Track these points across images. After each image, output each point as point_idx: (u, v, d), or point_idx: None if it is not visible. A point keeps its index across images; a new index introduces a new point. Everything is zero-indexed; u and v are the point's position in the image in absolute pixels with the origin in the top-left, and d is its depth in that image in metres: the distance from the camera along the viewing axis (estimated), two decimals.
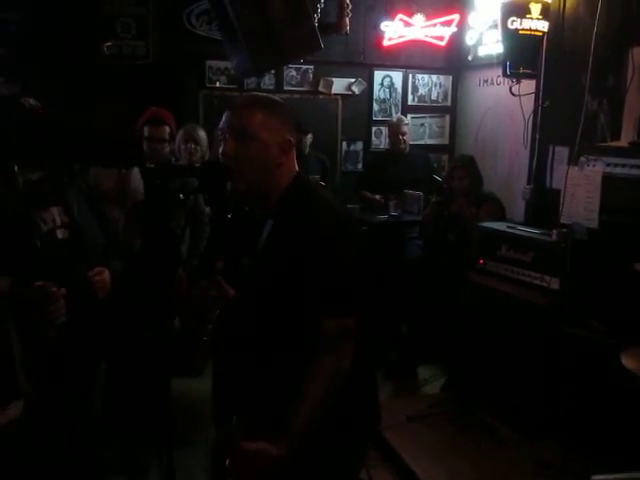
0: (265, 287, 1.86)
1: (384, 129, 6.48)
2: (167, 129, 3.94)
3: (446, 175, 4.83)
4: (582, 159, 3.59)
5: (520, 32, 4.35)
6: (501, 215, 4.70)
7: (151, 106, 4.10)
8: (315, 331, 1.73)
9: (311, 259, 1.72)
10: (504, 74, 4.66)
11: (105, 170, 3.45)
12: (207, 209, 4.28)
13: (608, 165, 3.46)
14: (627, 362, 2.68)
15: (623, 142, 3.80)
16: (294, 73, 6.09)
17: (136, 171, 3.53)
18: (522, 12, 4.35)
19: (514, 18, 4.33)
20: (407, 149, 5.77)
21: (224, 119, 1.87)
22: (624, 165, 3.39)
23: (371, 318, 1.92)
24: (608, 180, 3.45)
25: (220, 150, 1.85)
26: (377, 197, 5.65)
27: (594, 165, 3.51)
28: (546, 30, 4.48)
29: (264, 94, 2.09)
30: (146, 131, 3.89)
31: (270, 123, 1.82)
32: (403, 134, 5.70)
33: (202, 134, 4.57)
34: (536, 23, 4.37)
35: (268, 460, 1.68)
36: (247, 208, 2.38)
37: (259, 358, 1.89)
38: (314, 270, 1.71)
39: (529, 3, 4.36)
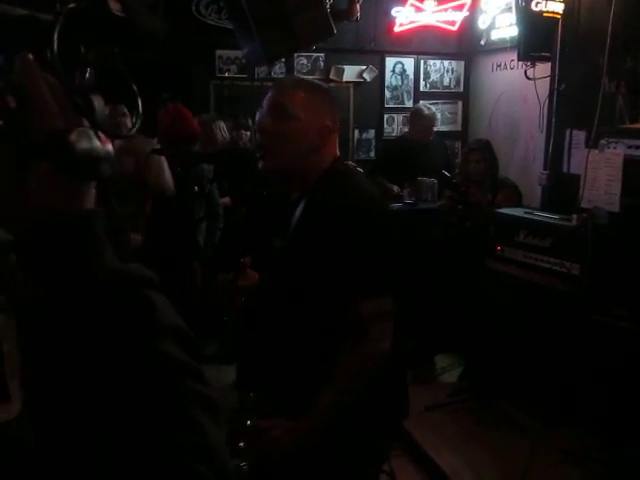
0: (296, 268, 1.84)
1: (396, 116, 6.42)
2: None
3: (461, 159, 4.76)
4: (602, 142, 3.52)
5: (544, 14, 4.28)
6: (518, 201, 4.64)
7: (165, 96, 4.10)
8: (348, 313, 1.71)
9: (343, 240, 1.69)
10: (520, 58, 4.58)
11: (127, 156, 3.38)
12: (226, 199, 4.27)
13: (629, 147, 3.40)
14: None
15: None
16: (305, 61, 6.04)
17: (163, 162, 3.46)
18: None
19: (539, 0, 4.26)
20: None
21: (267, 95, 1.87)
22: None
23: (397, 311, 1.87)
24: (629, 163, 3.38)
25: (256, 123, 1.86)
26: (395, 188, 5.56)
27: (615, 148, 3.44)
28: (562, 12, 4.42)
29: (311, 78, 2.11)
30: (184, 148, 3.93)
31: (311, 105, 1.83)
32: (431, 127, 5.58)
33: (220, 123, 4.60)
34: (558, 5, 4.31)
35: (285, 434, 1.68)
36: (265, 193, 2.37)
37: (289, 340, 1.87)
38: (346, 251, 1.69)
39: None
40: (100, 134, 0.65)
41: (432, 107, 5.76)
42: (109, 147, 0.66)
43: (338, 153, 1.94)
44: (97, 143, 0.64)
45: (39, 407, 0.66)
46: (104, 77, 0.70)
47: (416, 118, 5.70)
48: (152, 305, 0.66)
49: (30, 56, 0.62)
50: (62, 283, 0.64)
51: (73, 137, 0.62)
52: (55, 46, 0.62)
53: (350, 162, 2.04)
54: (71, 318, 0.63)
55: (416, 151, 5.53)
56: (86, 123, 0.66)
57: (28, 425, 0.72)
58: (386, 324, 1.73)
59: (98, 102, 0.68)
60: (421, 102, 5.94)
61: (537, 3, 4.28)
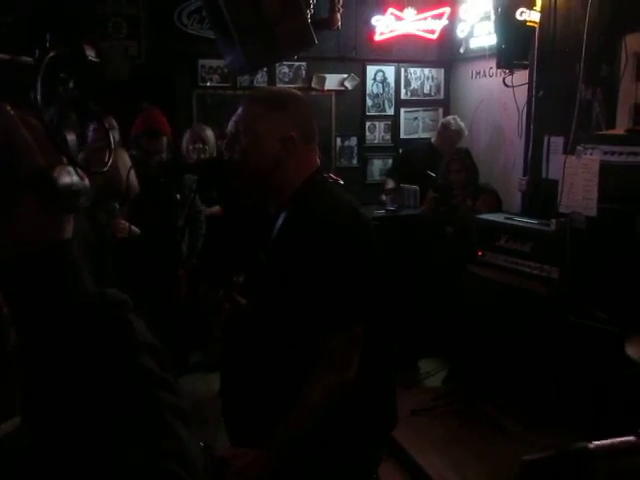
0: (270, 287, 1.82)
1: (378, 124, 6.48)
2: (164, 140, 3.97)
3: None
4: (579, 148, 3.60)
5: (528, 24, 4.38)
6: (498, 206, 4.71)
7: (145, 104, 4.10)
8: (316, 340, 1.69)
9: (313, 268, 1.66)
10: (499, 66, 4.66)
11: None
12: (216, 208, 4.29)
13: (605, 153, 3.47)
14: (632, 351, 2.69)
15: (619, 130, 3.81)
16: (286, 70, 6.07)
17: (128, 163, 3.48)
18: (530, 3, 4.38)
19: (523, 9, 4.34)
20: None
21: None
22: (621, 153, 3.40)
23: (382, 323, 1.87)
24: (606, 168, 3.46)
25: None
26: (383, 197, 5.62)
27: (591, 154, 3.51)
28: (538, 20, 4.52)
29: (282, 88, 2.06)
30: (143, 143, 3.91)
31: (267, 119, 1.78)
32: (455, 142, 5.57)
33: (209, 133, 4.60)
34: (537, 15, 4.43)
35: (249, 465, 1.67)
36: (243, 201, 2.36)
37: (264, 360, 1.85)
38: (315, 281, 1.66)
39: None
40: (78, 170, 0.72)
41: (462, 123, 5.72)
42: (86, 182, 0.72)
43: (318, 163, 1.88)
44: (76, 178, 0.70)
45: (31, 418, 0.71)
46: (79, 115, 0.78)
47: (443, 129, 5.72)
48: (129, 324, 0.73)
49: (6, 105, 0.68)
50: (43, 306, 0.69)
51: (55, 173, 0.68)
52: (38, 91, 0.68)
53: (331, 174, 1.98)
54: (54, 338, 0.69)
55: (434, 159, 5.54)
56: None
57: (26, 437, 0.78)
58: (353, 354, 1.70)
59: (71, 138, 0.74)
60: (452, 116, 5.90)
61: (522, 12, 4.35)
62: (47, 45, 0.72)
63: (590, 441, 0.95)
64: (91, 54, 0.76)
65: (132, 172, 2.96)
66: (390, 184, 5.74)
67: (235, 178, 1.87)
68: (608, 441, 0.97)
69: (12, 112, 0.68)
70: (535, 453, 1.01)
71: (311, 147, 1.87)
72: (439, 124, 5.91)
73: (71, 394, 0.68)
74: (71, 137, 0.74)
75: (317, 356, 1.69)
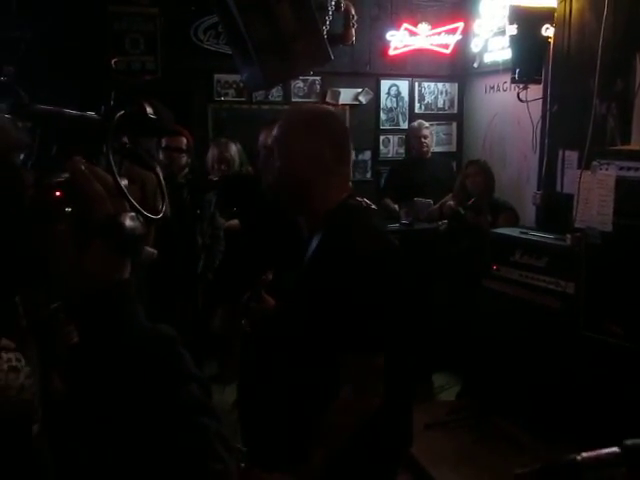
0: (302, 308, 1.81)
1: (392, 138, 6.50)
2: (184, 140, 4.01)
3: (461, 174, 4.84)
4: (595, 163, 3.60)
5: (548, 39, 4.43)
6: (516, 224, 4.71)
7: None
8: (341, 364, 1.69)
9: (343, 292, 1.66)
10: (514, 80, 4.68)
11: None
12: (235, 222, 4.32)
13: (621, 169, 3.47)
14: None
15: (635, 145, 3.81)
16: (301, 84, 6.11)
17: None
18: (551, 20, 4.43)
19: (547, 26, 4.38)
20: (429, 154, 5.81)
21: None
22: (637, 169, 3.40)
23: (405, 350, 1.87)
24: (621, 184, 3.46)
25: None
26: (395, 207, 5.67)
27: (607, 169, 3.52)
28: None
29: (323, 107, 2.06)
30: (163, 142, 3.96)
31: (302, 135, 1.79)
32: (424, 137, 5.73)
33: (233, 152, 4.61)
34: (552, 30, 4.48)
35: None
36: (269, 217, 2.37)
37: (287, 375, 1.85)
38: (345, 304, 1.66)
39: (554, 11, 4.49)
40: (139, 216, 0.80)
41: (423, 121, 5.92)
42: (145, 227, 0.80)
43: (350, 188, 1.89)
44: (138, 224, 0.78)
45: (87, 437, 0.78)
46: (137, 164, 0.88)
47: (409, 132, 6.01)
48: (182, 356, 0.82)
49: (80, 160, 0.77)
50: (108, 338, 0.77)
51: (122, 219, 0.76)
52: (110, 146, 0.78)
53: (365, 199, 1.97)
54: (115, 367, 0.76)
55: (418, 167, 5.66)
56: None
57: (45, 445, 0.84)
58: (377, 381, 1.70)
59: (124, 183, 0.81)
60: None
61: (546, 29, 4.40)
62: (113, 104, 0.82)
63: (579, 453, 1.00)
64: (150, 111, 0.86)
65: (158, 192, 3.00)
66: (389, 202, 5.78)
67: (272, 192, 1.90)
68: (594, 452, 1.03)
69: (84, 166, 0.76)
70: (526, 467, 1.06)
71: (344, 171, 1.88)
72: None
73: (128, 417, 0.74)
74: (124, 182, 0.80)
75: (340, 377, 1.69)
